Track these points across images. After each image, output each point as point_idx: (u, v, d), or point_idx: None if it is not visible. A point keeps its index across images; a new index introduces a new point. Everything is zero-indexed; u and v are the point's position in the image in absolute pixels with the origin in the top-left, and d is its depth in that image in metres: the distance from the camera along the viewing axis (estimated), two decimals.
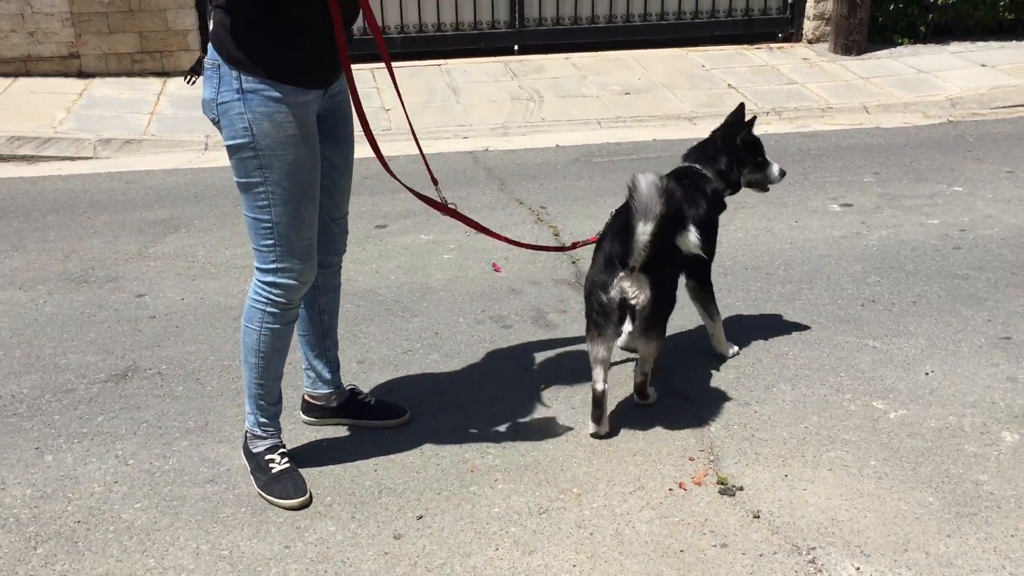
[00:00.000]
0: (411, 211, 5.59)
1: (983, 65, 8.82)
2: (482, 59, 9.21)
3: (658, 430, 3.33)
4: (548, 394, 3.57)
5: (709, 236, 3.57)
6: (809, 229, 5.24)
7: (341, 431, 3.34)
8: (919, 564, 2.66)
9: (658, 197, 2.93)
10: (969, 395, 3.52)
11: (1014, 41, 9.46)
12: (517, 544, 2.77)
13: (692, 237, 3.16)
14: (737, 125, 3.64)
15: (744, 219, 5.38)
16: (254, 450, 3.03)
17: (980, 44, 9.41)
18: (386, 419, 3.34)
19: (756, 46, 9.59)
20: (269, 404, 3.02)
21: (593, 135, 7.40)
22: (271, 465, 2.99)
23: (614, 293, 3.11)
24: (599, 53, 9.44)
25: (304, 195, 2.77)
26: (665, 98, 8.25)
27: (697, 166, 3.63)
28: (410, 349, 3.93)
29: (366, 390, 3.53)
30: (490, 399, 3.54)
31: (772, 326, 4.09)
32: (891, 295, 4.37)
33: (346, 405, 3.33)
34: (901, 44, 9.41)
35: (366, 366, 3.80)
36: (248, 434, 3.06)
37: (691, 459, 3.15)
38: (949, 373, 3.68)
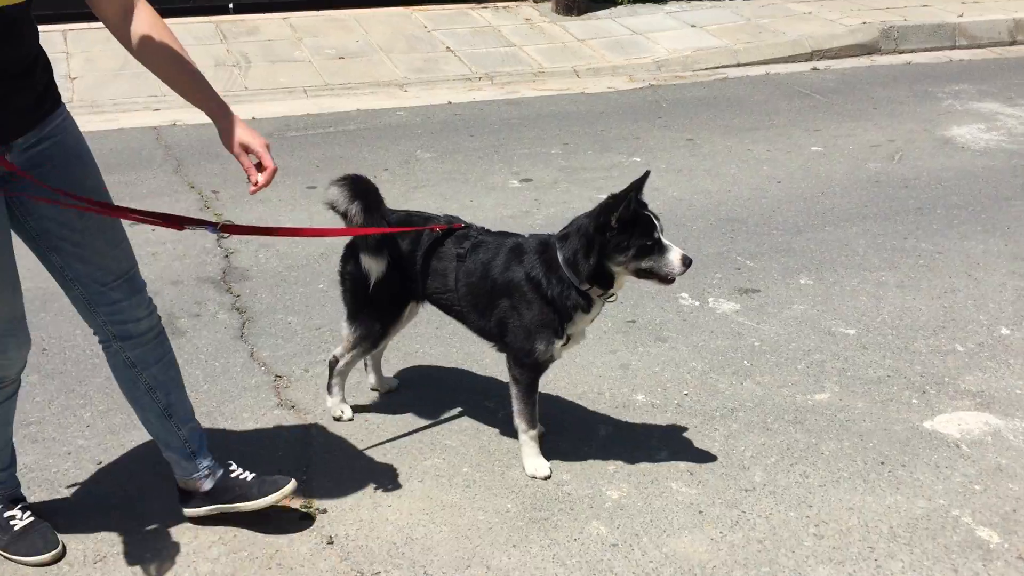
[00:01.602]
0: None
1: (693, 26, 9.16)
2: (192, 19, 8.65)
3: (257, 449, 3.20)
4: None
5: (512, 321, 2.99)
6: (481, 209, 5.23)
7: None
8: None
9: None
10: (580, 386, 3.61)
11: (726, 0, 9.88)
12: None
13: (362, 260, 3.08)
14: (617, 199, 2.84)
15: (420, 200, 5.31)
16: None
17: (695, 3, 9.76)
18: None
19: (483, 5, 9.53)
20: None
21: (296, 105, 7.11)
22: (12, 522, 2.71)
23: None
24: (321, 12, 9.09)
25: None
26: (380, 63, 8.05)
27: (556, 243, 2.97)
28: None
29: None
30: (81, 427, 3.28)
31: None
32: None
33: None
34: (622, 3, 9.61)
35: None
36: None
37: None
38: (569, 363, 3.75)
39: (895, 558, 2.74)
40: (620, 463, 3.18)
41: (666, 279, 2.92)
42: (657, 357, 3.81)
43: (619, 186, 5.50)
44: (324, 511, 2.92)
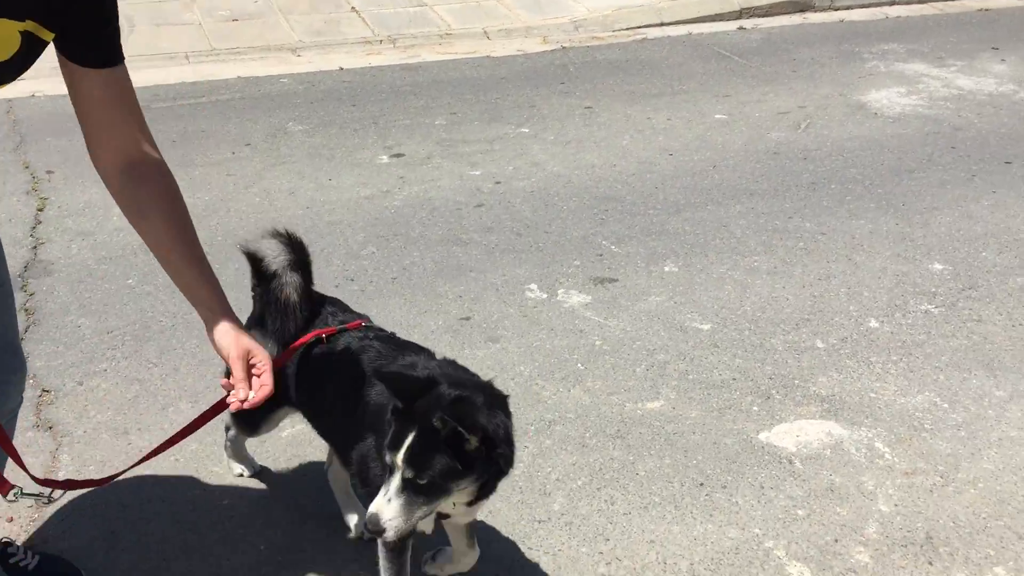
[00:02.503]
0: None
1: None
2: None
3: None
4: None
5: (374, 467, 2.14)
6: (338, 189, 4.82)
7: None
8: None
9: None
10: None
11: None
12: None
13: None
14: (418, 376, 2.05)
15: (274, 179, 4.89)
16: None
17: None
18: None
19: None
20: None
21: (174, 73, 6.63)
22: (23, 563, 2.43)
23: None
24: None
25: None
26: (276, 25, 7.56)
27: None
28: None
29: None
30: None
31: None
32: (376, 269, 4.04)
33: None
34: None
35: None
36: None
37: (10, 520, 2.68)
38: None
39: None
40: None
41: None
42: (484, 360, 3.43)
43: (493, 163, 5.19)
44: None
